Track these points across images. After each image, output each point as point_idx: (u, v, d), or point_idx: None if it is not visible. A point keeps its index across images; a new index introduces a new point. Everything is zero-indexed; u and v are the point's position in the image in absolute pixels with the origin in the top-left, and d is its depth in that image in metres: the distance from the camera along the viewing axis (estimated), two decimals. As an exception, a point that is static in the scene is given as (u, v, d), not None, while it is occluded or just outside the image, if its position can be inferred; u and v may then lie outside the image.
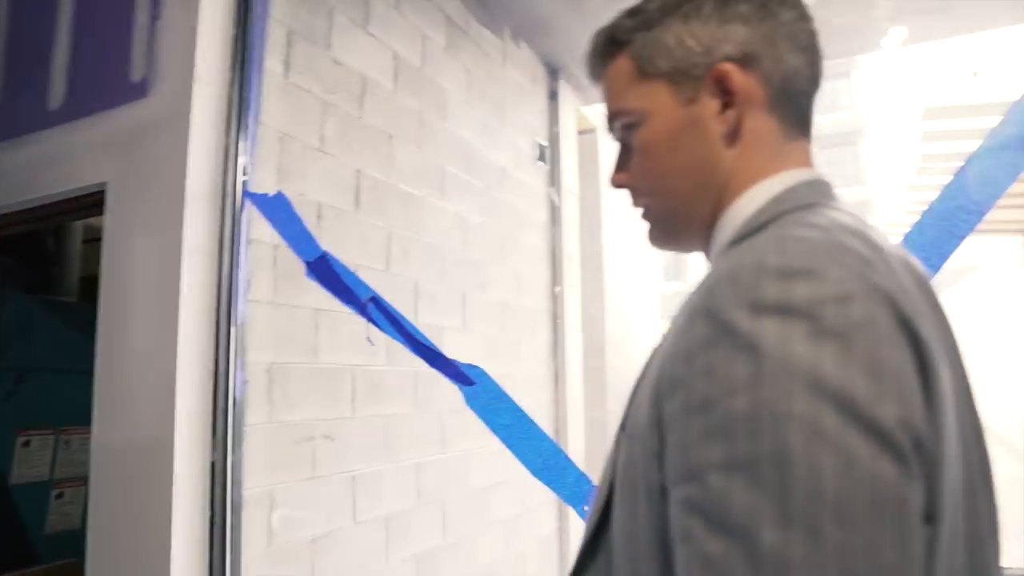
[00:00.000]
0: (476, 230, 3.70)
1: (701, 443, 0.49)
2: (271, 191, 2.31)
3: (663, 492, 0.55)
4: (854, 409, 0.44)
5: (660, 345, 0.65)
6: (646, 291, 7.61)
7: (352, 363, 2.71)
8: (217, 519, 2.02)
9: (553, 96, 4.70)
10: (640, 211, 0.79)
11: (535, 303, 4.38)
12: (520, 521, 3.94)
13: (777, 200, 0.66)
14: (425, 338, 1.88)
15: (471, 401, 1.79)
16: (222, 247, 2.12)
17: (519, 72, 4.37)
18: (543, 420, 4.28)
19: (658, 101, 0.70)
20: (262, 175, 2.33)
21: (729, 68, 0.68)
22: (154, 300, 2.09)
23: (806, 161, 0.73)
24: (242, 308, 2.14)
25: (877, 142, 20.37)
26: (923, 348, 0.50)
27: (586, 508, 1.64)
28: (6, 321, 3.15)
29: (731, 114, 0.69)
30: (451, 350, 3.36)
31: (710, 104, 0.69)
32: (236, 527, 2.06)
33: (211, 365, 2.09)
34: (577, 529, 4.60)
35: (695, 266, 22.20)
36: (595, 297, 5.68)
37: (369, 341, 2.02)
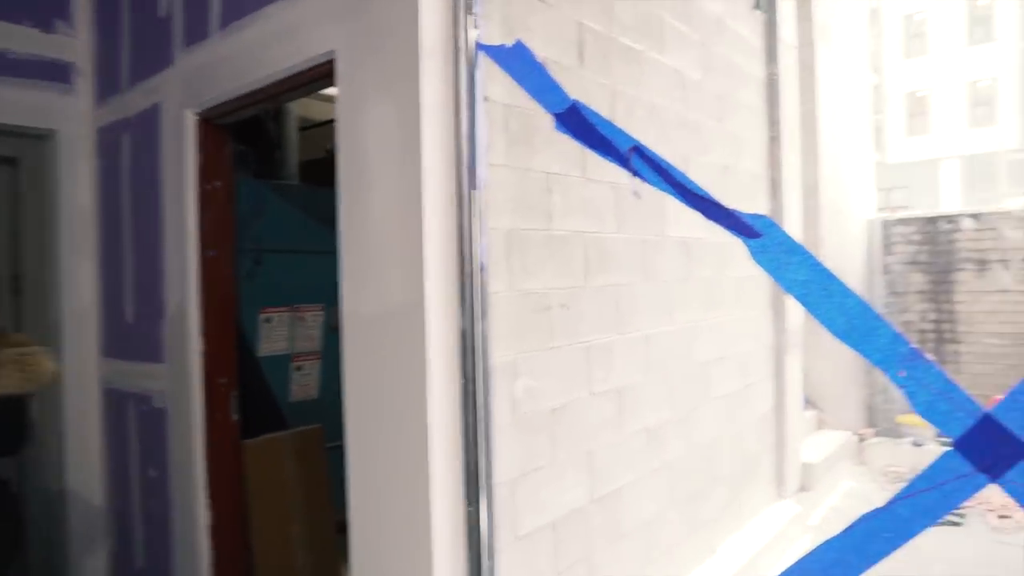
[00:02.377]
0: (695, 88, 3.38)
1: None
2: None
3: None
4: None
5: None
6: (859, 158, 6.91)
7: (584, 230, 2.58)
8: (470, 387, 2.00)
9: (770, -68, 4.14)
10: None
11: (754, 167, 4.03)
12: (739, 398, 3.77)
13: None
14: (699, 187, 1.68)
15: (757, 255, 1.57)
16: (459, 105, 1.99)
17: (733, -94, 3.87)
18: (758, 292, 4.01)
19: None
20: (489, 30, 2.17)
21: None
22: (396, 165, 2.02)
23: None
24: (482, 171, 2.03)
25: None
26: None
27: (902, 373, 1.41)
28: (243, 204, 3.29)
29: None
30: (673, 221, 3.15)
31: None
32: (487, 395, 2.03)
33: (455, 230, 2.01)
34: (794, 411, 4.37)
35: (895, 141, 20.12)
36: (810, 163, 5.19)
37: (636, 195, 1.86)
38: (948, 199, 19.64)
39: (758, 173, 4.08)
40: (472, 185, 2.01)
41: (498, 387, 2.18)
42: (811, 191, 5.14)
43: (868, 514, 1.42)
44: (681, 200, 1.67)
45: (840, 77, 6.24)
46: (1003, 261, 6.22)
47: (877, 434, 5.85)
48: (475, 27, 2.04)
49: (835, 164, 5.86)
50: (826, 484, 4.81)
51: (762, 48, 4.15)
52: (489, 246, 2.14)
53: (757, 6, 4.08)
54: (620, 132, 1.74)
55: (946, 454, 1.35)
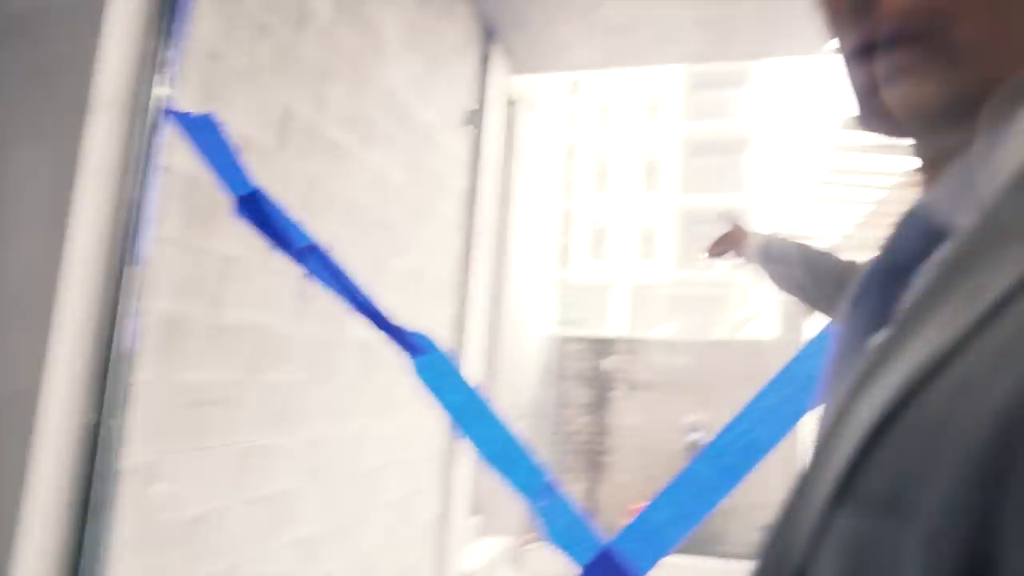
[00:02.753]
0: (397, 190, 3.42)
1: None
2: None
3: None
4: None
5: (903, 346, 0.38)
6: (545, 276, 7.52)
7: (259, 321, 2.40)
8: (92, 494, 1.69)
9: (485, 60, 4.45)
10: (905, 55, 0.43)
11: (446, 274, 4.15)
12: (405, 505, 3.72)
13: None
14: (367, 299, 1.63)
15: (420, 372, 1.56)
16: (128, 170, 1.76)
17: (455, 28, 4.10)
18: (431, 399, 4.06)
19: None
20: (184, 93, 1.98)
21: None
22: (38, 223, 1.71)
23: None
24: (144, 246, 1.80)
25: (761, 153, 21.27)
26: None
27: (542, 503, 1.45)
28: None
29: None
30: (356, 320, 3.09)
31: None
32: (108, 502, 1.73)
33: (100, 310, 1.74)
34: (459, 519, 4.43)
35: (584, 256, 22.51)
36: (499, 276, 5.51)
37: (300, 298, 1.75)
38: (616, 319, 22.23)
39: (448, 280, 4.21)
40: (129, 261, 1.77)
41: (128, 493, 1.88)
42: (496, 302, 5.42)
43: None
44: (352, 306, 1.61)
45: (534, 198, 6.80)
46: (647, 383, 7.08)
47: (538, 539, 6.15)
48: (165, 86, 1.85)
49: (521, 280, 6.29)
50: (482, 591, 4.89)
51: (467, 162, 4.36)
52: (144, 330, 1.89)
53: (469, 122, 4.31)
54: (297, 228, 1.65)
55: (575, 582, 1.40)
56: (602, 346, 7.34)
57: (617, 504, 6.94)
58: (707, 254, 1.41)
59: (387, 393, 3.38)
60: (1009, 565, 0.28)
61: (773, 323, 7.38)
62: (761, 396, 1.36)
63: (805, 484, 0.38)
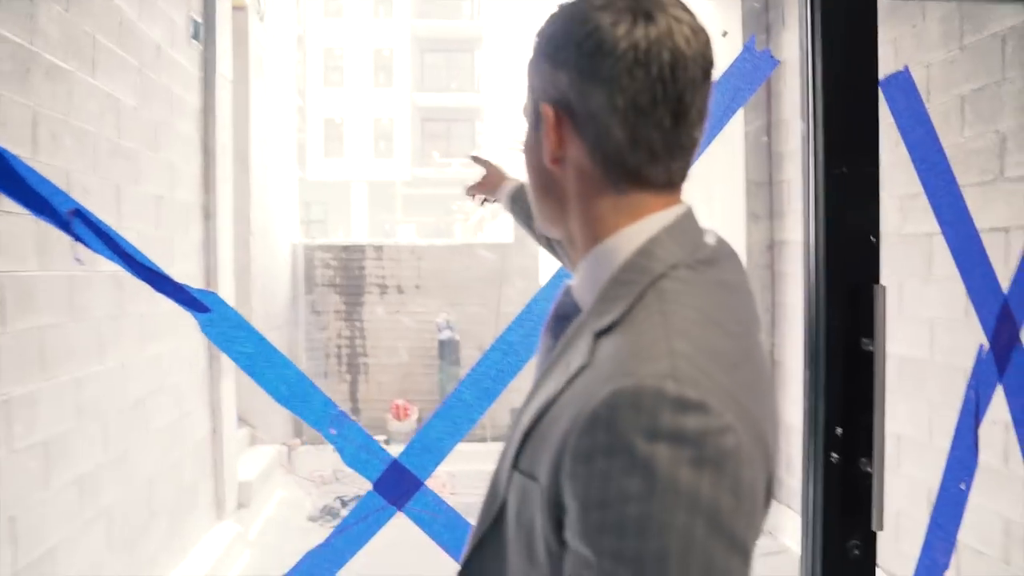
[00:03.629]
0: (130, 115, 3.27)
1: (597, 534, 0.61)
2: None
3: (558, 549, 0.67)
4: (719, 523, 0.59)
5: (549, 376, 0.73)
6: (286, 183, 7.42)
7: (1, 269, 2.30)
8: None
9: (208, -34, 4.22)
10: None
11: (188, 196, 4.05)
12: (176, 428, 3.75)
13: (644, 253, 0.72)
14: (145, 258, 1.69)
15: (206, 328, 1.67)
16: None
17: (173, -69, 3.84)
18: (191, 324, 4.06)
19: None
20: None
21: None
22: None
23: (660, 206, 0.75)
24: None
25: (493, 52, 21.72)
26: (768, 448, 0.68)
27: (333, 431, 1.70)
28: None
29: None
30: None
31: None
32: None
33: None
34: (229, 433, 4.52)
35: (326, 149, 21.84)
36: (241, 191, 5.40)
37: (77, 261, 1.74)
38: (357, 217, 22.13)
39: (192, 202, 4.11)
40: None
41: None
42: (242, 217, 5.34)
43: (311, 551, 1.67)
44: (128, 270, 1.66)
45: (270, 103, 6.61)
46: (397, 287, 7.42)
47: (304, 443, 6.37)
48: None
49: (264, 189, 6.19)
50: (261, 498, 5.07)
51: (199, 78, 4.19)
52: None
53: (195, 36, 4.11)
54: (58, 191, 1.64)
55: (368, 494, 1.68)
56: (350, 253, 7.49)
57: (380, 403, 7.33)
58: (467, 194, 1.60)
59: (144, 323, 3.34)
60: (568, 509, 0.63)
61: (509, 227, 7.99)
62: (508, 331, 1.70)
63: (507, 444, 0.75)
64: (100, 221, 1.66)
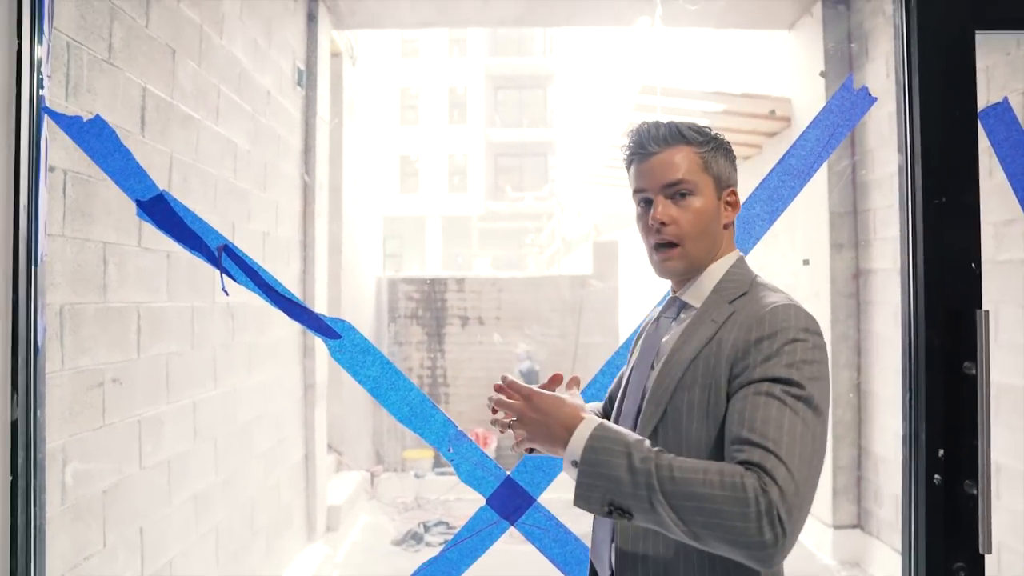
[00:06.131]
0: (244, 157, 3.52)
1: (798, 365, 1.05)
2: (65, 109, 2.04)
3: (728, 388, 1.08)
4: (827, 374, 1.10)
5: (695, 332, 1.17)
6: (371, 220, 7.69)
7: (138, 300, 2.51)
8: (20, 483, 1.82)
9: (312, 18, 4.52)
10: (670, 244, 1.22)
11: (289, 232, 4.29)
12: (275, 452, 3.94)
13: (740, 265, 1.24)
14: (285, 289, 1.85)
15: (336, 354, 1.82)
16: (19, 175, 1.83)
17: (282, -12, 4.13)
18: (291, 350, 4.27)
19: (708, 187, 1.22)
20: (51, 90, 2.03)
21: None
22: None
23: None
24: (43, 244, 1.89)
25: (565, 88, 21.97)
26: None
27: (450, 450, 1.81)
28: None
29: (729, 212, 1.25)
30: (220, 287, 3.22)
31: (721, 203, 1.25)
32: (40, 489, 1.87)
33: (9, 311, 1.83)
34: (321, 459, 4.70)
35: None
36: (335, 227, 5.66)
37: (224, 292, 1.92)
38: (432, 251, 22.58)
39: (292, 238, 4.36)
40: (32, 261, 1.86)
41: (50, 478, 2.01)
42: (335, 252, 5.60)
43: (425, 563, 1.78)
44: (268, 301, 1.82)
45: (359, 143, 6.91)
46: (478, 318, 7.57)
47: (386, 470, 6.54)
48: (41, 88, 1.91)
49: (352, 225, 6.46)
50: (348, 522, 5.23)
51: (301, 121, 4.46)
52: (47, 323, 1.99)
53: (300, 82, 4.39)
54: (210, 229, 1.83)
55: (481, 508, 1.78)
56: (432, 285, 7.70)
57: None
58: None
59: (250, 352, 3.55)
60: (749, 366, 1.06)
61: (587, 260, 8.08)
62: (616, 355, 1.80)
63: (662, 374, 1.14)
64: (246, 256, 1.83)
